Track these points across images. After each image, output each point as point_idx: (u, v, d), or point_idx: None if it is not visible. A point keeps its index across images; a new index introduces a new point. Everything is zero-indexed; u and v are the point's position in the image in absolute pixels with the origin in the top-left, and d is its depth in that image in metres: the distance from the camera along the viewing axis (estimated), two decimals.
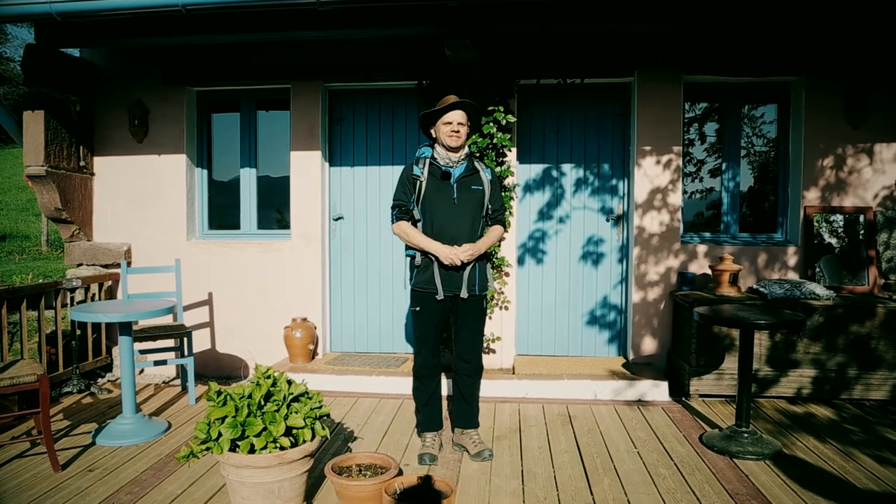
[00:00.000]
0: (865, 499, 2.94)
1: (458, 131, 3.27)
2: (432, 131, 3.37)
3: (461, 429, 3.52)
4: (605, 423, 3.97)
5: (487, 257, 3.48)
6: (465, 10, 4.03)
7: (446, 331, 3.57)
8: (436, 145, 3.37)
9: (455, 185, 3.32)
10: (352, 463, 2.92)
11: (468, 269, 3.33)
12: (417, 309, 3.36)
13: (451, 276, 3.31)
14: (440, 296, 3.30)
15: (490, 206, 3.45)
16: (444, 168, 3.32)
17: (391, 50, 4.86)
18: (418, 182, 3.31)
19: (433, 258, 3.29)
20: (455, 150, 3.32)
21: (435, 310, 3.34)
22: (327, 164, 5.21)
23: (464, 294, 3.33)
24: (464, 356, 3.44)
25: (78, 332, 4.67)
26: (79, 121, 5.05)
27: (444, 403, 3.90)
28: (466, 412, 3.50)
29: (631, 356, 4.92)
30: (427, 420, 3.48)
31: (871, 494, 2.97)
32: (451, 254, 3.23)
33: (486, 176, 3.42)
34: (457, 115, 3.27)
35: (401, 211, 3.34)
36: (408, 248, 3.41)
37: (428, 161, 3.34)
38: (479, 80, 4.44)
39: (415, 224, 3.36)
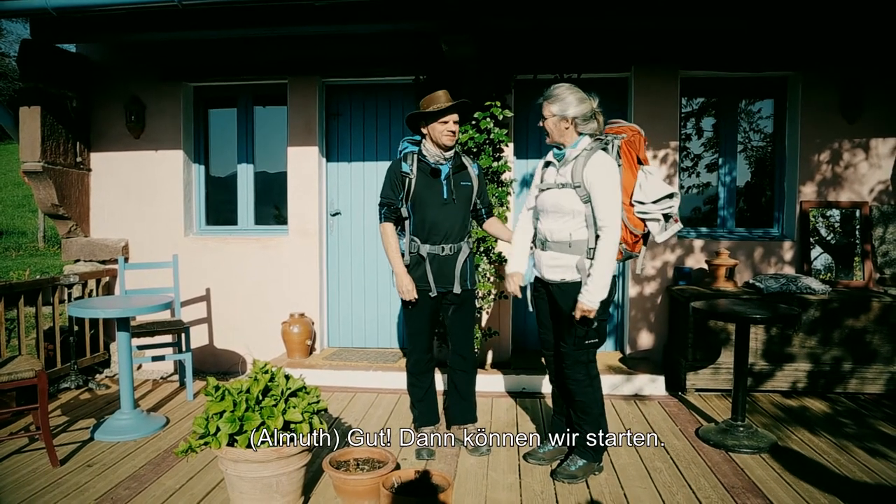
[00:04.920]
0: (859, 491, 2.96)
1: (454, 131, 3.25)
2: (423, 129, 3.30)
3: (459, 423, 3.53)
4: None
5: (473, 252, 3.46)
6: (463, 4, 4.03)
7: (439, 326, 3.57)
8: (424, 142, 3.31)
9: (446, 182, 3.31)
10: (349, 457, 2.93)
11: (459, 263, 3.33)
12: (410, 306, 3.34)
13: (444, 272, 3.31)
14: (433, 292, 3.30)
15: (479, 202, 3.45)
16: (433, 165, 3.29)
17: (388, 45, 4.85)
18: (408, 179, 3.27)
19: (424, 255, 3.29)
20: (449, 148, 3.30)
21: (427, 306, 3.33)
22: (324, 160, 5.20)
23: (457, 289, 3.33)
24: (459, 351, 3.45)
25: (76, 328, 4.67)
26: (75, 116, 5.04)
27: (440, 398, 3.92)
28: (463, 407, 3.51)
29: (628, 351, 4.94)
30: (424, 415, 3.49)
31: (864, 486, 3.00)
32: (405, 289, 3.24)
33: (473, 171, 3.41)
34: (454, 115, 3.25)
35: (389, 210, 3.31)
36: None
37: (416, 157, 3.30)
38: (476, 76, 4.44)
39: (403, 221, 3.34)
